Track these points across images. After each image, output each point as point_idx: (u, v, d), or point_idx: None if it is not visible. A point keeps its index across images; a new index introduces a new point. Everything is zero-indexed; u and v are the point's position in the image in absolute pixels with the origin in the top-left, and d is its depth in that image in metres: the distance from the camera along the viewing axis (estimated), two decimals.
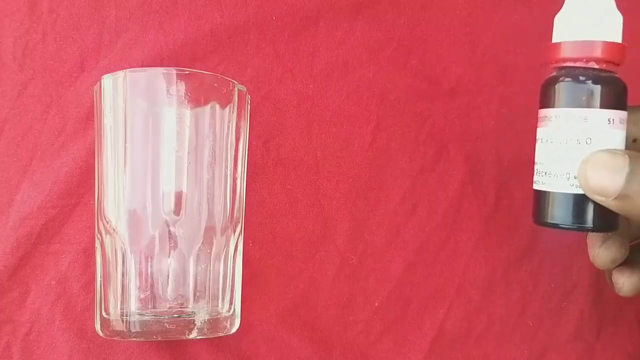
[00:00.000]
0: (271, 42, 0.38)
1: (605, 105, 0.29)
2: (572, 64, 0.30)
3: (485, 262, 0.37)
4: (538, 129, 0.32)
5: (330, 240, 0.37)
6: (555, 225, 0.31)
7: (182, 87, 0.31)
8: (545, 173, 0.31)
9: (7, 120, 0.37)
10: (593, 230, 0.30)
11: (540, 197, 0.31)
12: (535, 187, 0.32)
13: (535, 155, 0.32)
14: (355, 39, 0.38)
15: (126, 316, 0.31)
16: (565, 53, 0.30)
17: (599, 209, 0.29)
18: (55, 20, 0.38)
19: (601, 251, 0.32)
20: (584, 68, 0.30)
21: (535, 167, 0.32)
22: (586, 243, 0.37)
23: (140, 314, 0.31)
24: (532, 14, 0.39)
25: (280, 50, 0.38)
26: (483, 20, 0.39)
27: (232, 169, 0.33)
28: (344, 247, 0.37)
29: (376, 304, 0.37)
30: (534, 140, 0.38)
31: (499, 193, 0.38)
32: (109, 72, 0.37)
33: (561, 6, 0.39)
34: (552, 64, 0.31)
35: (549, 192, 0.31)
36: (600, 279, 0.37)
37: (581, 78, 0.30)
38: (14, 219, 0.36)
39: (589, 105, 0.29)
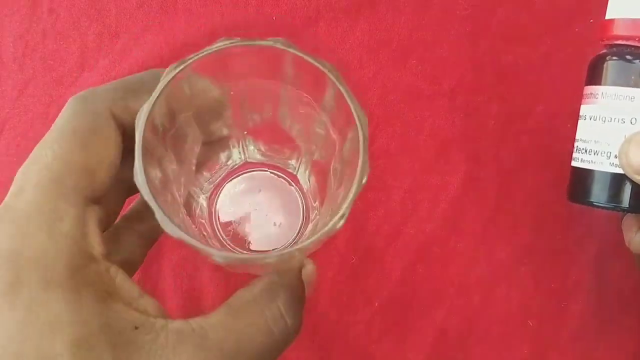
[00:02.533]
0: None
1: None
2: (624, 42, 0.30)
3: (485, 262, 0.37)
4: (582, 106, 0.32)
5: (330, 240, 0.37)
6: (590, 203, 0.31)
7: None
8: (586, 150, 0.31)
9: (7, 120, 0.37)
10: (629, 210, 0.30)
11: (578, 175, 0.32)
12: (574, 164, 0.32)
13: (577, 132, 0.32)
14: (355, 39, 0.38)
15: None
16: (617, 30, 0.30)
17: (637, 189, 0.29)
18: (55, 20, 0.38)
19: (637, 236, 0.32)
20: (635, 47, 0.30)
21: (576, 144, 0.32)
22: (587, 244, 0.37)
23: None
24: (532, 14, 0.39)
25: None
26: (483, 20, 0.39)
27: None
28: (344, 247, 0.37)
29: (376, 304, 0.36)
30: (534, 140, 0.38)
31: (499, 193, 0.38)
32: (109, 72, 0.37)
33: (560, 6, 0.39)
34: (603, 40, 0.31)
35: (588, 169, 0.31)
36: (601, 279, 0.37)
37: (630, 57, 0.30)
38: None
39: (637, 85, 0.29)
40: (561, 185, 0.37)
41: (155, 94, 0.21)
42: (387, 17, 0.38)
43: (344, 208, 0.21)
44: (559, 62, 0.38)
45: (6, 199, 0.21)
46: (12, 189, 0.21)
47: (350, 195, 0.21)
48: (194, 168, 0.28)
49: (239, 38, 0.21)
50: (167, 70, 0.21)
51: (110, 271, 0.22)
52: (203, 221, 0.31)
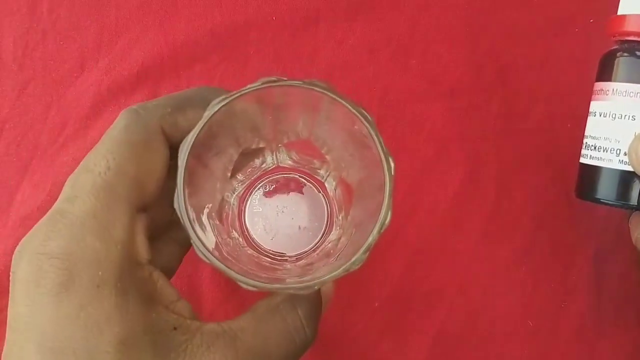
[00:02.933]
0: (271, 42, 0.38)
1: None
2: (635, 38, 0.30)
3: (485, 262, 0.37)
4: (592, 102, 0.32)
5: None
6: (598, 201, 0.31)
7: None
8: (595, 147, 0.31)
9: (7, 120, 0.37)
10: (637, 208, 0.30)
11: (587, 172, 0.31)
12: (583, 160, 0.32)
13: (586, 128, 0.32)
14: (355, 39, 0.38)
15: None
16: (629, 26, 0.30)
17: None
18: (55, 20, 0.38)
19: None
20: None
21: (585, 140, 0.32)
22: (586, 244, 0.37)
23: None
24: (532, 14, 0.39)
25: (280, 50, 0.38)
26: (483, 20, 0.39)
27: None
28: None
29: (376, 304, 0.36)
30: (534, 140, 0.38)
31: (499, 193, 0.38)
32: (109, 72, 0.37)
33: (560, 6, 0.39)
34: (614, 37, 0.31)
35: (596, 166, 0.31)
36: (600, 279, 0.37)
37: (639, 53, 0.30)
38: (13, 219, 0.36)
39: None
40: (561, 185, 0.37)
41: (198, 127, 0.22)
42: (387, 17, 0.38)
43: (369, 242, 0.22)
44: (559, 62, 0.38)
45: (59, 204, 0.22)
46: (64, 194, 0.22)
47: (374, 232, 0.22)
48: (229, 175, 0.30)
49: (284, 78, 0.23)
50: (210, 104, 0.23)
51: (153, 276, 0.23)
52: (232, 222, 0.32)
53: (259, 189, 0.33)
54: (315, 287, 0.23)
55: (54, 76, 0.37)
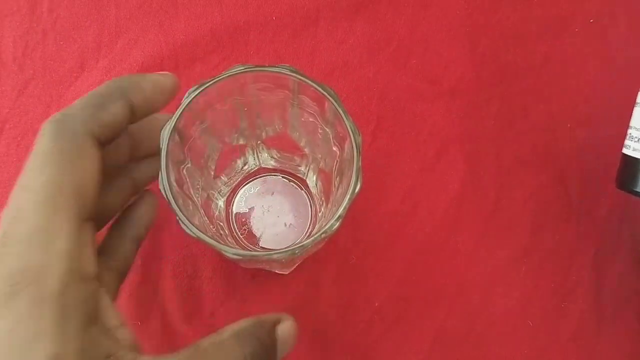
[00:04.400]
0: (271, 42, 0.38)
1: None
2: None
3: (485, 262, 0.37)
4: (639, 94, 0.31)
5: (330, 240, 0.37)
6: (637, 194, 0.30)
7: None
8: (639, 139, 0.30)
9: (7, 120, 0.37)
10: None
11: (629, 163, 0.31)
12: (625, 151, 0.31)
13: (631, 119, 0.31)
14: (355, 39, 0.38)
15: None
16: None
17: None
18: (55, 20, 0.38)
19: None
20: None
21: (629, 131, 0.31)
22: (586, 245, 0.37)
23: None
24: (532, 14, 0.39)
25: (280, 50, 0.38)
26: (483, 20, 0.39)
27: None
28: (344, 247, 0.37)
29: (376, 304, 0.36)
30: (534, 140, 0.38)
31: (499, 193, 0.38)
32: (109, 72, 0.37)
33: (560, 6, 0.39)
34: None
35: (639, 159, 0.30)
36: (600, 279, 0.37)
37: None
38: None
39: None
40: (561, 185, 0.37)
41: (178, 112, 0.24)
42: (387, 17, 0.38)
43: (340, 212, 0.23)
44: (559, 62, 0.38)
45: (4, 227, 0.22)
46: (8, 215, 0.22)
47: (345, 202, 0.23)
48: (212, 173, 0.30)
49: (251, 64, 0.24)
50: (188, 91, 0.24)
51: (98, 294, 0.23)
52: (220, 222, 0.33)
53: (244, 190, 0.34)
54: (297, 252, 0.23)
55: (54, 76, 0.37)
